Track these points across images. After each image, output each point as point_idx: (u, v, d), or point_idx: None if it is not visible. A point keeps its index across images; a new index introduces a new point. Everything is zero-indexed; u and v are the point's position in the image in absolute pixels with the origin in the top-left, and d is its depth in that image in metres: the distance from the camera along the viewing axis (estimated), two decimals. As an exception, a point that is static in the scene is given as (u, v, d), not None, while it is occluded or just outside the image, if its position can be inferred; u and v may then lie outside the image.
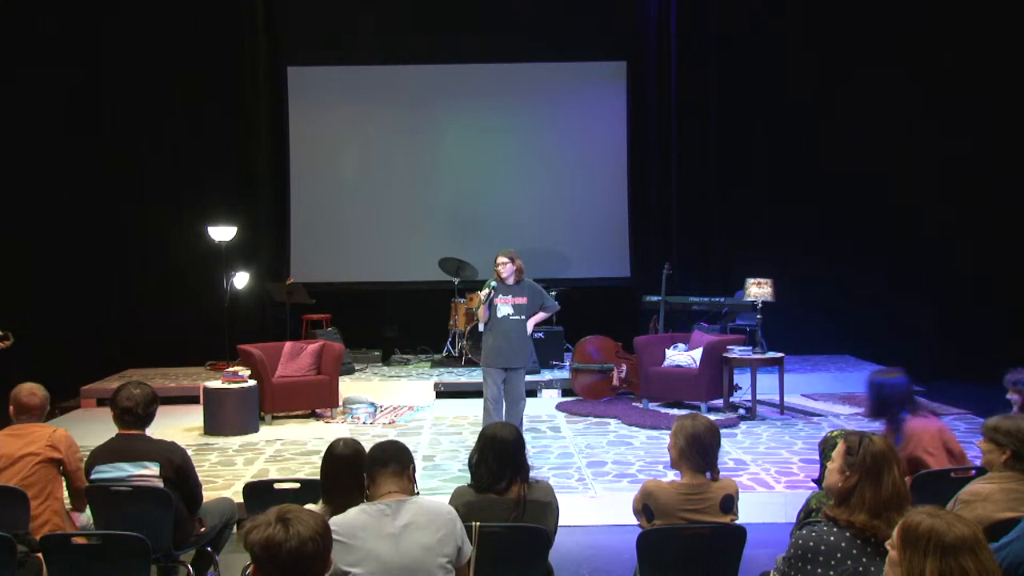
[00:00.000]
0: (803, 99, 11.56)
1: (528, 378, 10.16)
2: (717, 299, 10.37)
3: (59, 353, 10.12)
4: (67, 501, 4.74)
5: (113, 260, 11.55)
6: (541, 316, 7.55)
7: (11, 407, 4.73)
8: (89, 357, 10.71)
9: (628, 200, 12.50)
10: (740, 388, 9.29)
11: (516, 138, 12.53)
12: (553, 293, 11.27)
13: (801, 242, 11.51)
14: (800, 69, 11.54)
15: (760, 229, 11.65)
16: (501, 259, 7.37)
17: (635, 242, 12.46)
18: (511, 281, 7.36)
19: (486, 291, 7.35)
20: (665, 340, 9.59)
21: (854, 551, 2.85)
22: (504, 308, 7.33)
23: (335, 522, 3.00)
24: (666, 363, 9.24)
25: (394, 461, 3.28)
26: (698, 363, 8.94)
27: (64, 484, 4.67)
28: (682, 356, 9.18)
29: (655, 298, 10.47)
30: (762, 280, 9.00)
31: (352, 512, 3.15)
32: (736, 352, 8.89)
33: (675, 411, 8.88)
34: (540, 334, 10.81)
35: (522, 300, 7.35)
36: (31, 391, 4.70)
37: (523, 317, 7.35)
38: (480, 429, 7.43)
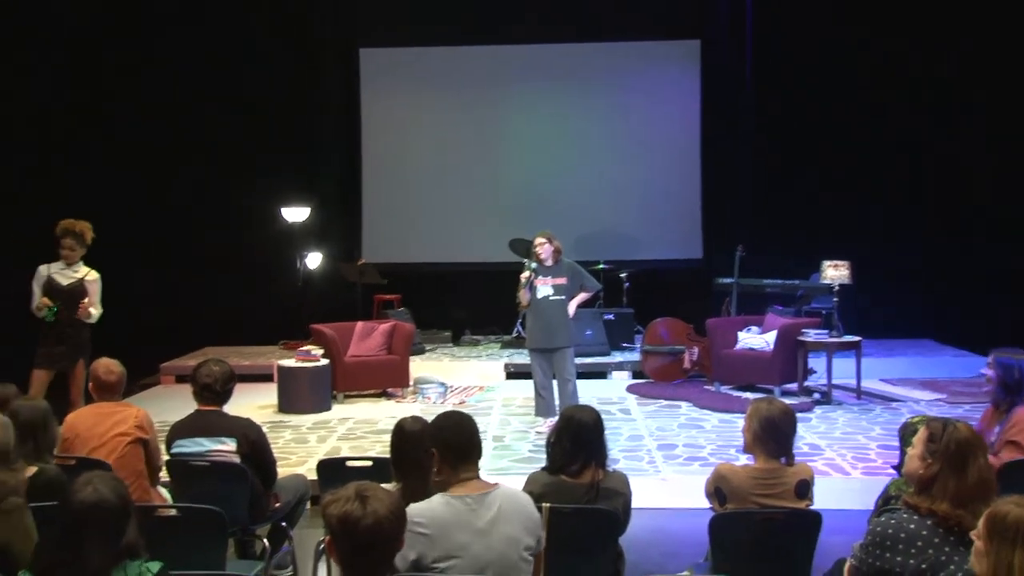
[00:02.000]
0: (887, 77, 11.24)
1: (598, 360, 10.24)
2: (792, 282, 10.17)
3: (140, 332, 10.39)
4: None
5: (191, 242, 11.79)
6: (583, 297, 7.61)
7: (90, 383, 4.86)
8: (168, 336, 10.98)
9: (701, 181, 12.34)
10: (815, 372, 9.11)
11: (587, 118, 12.44)
12: (623, 275, 11.30)
13: (880, 223, 11.22)
14: (884, 45, 11.21)
15: (837, 210, 11.37)
16: (539, 240, 7.44)
17: (708, 223, 12.31)
18: (550, 262, 7.41)
19: (526, 273, 7.39)
20: (738, 323, 9.46)
21: (935, 540, 2.78)
22: (544, 289, 7.38)
23: (420, 513, 2.95)
24: (739, 346, 9.11)
25: (477, 453, 3.20)
26: (772, 346, 8.80)
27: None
28: (755, 339, 9.04)
29: (728, 280, 10.32)
30: (839, 262, 8.80)
31: (437, 504, 3.04)
32: (811, 335, 8.71)
33: (748, 394, 8.75)
34: (610, 315, 10.80)
35: (561, 280, 7.40)
36: (108, 368, 4.79)
37: (563, 297, 7.40)
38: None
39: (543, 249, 7.39)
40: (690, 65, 12.40)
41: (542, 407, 7.58)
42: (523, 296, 7.43)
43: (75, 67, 10.64)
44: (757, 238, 11.28)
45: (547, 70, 12.47)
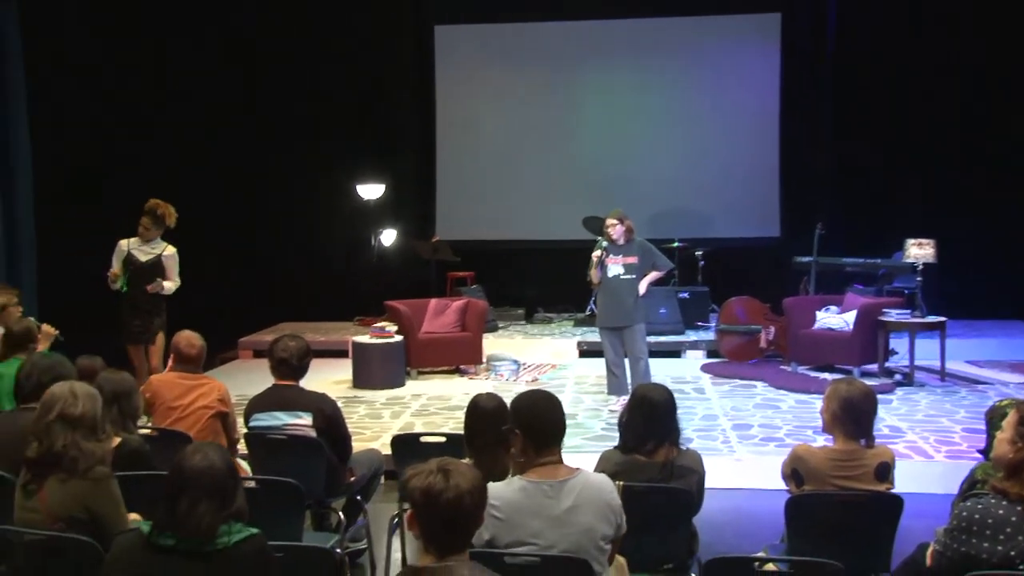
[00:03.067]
0: (974, 50, 10.82)
1: (672, 339, 10.15)
2: (873, 260, 9.91)
3: (219, 307, 10.62)
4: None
5: (269, 220, 11.99)
6: (654, 275, 7.57)
7: (171, 355, 5.00)
8: (246, 311, 11.20)
9: (779, 158, 12.08)
10: (896, 353, 8.89)
11: (662, 94, 12.27)
12: (699, 253, 11.15)
13: (967, 199, 10.82)
14: (972, 17, 10.79)
15: (922, 186, 11.02)
16: (610, 220, 7.45)
17: (786, 201, 12.05)
18: (621, 241, 7.42)
19: (597, 252, 7.40)
20: (816, 302, 9.27)
21: (1025, 527, 2.68)
22: (615, 268, 7.39)
23: (495, 495, 2.91)
24: (817, 325, 8.93)
25: (561, 436, 3.13)
26: (851, 326, 8.59)
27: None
28: (834, 319, 8.85)
29: (806, 259, 10.09)
30: (923, 240, 8.53)
31: (513, 488, 3.00)
32: (893, 315, 8.48)
33: (825, 375, 8.57)
34: (685, 294, 10.70)
35: (632, 259, 7.39)
36: (189, 342, 4.92)
37: (635, 276, 7.39)
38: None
39: (615, 230, 7.40)
40: (769, 39, 12.10)
41: (614, 385, 7.58)
42: (594, 275, 7.47)
43: (146, 55, 10.86)
44: (837, 215, 11.02)
45: (622, 45, 12.30)
